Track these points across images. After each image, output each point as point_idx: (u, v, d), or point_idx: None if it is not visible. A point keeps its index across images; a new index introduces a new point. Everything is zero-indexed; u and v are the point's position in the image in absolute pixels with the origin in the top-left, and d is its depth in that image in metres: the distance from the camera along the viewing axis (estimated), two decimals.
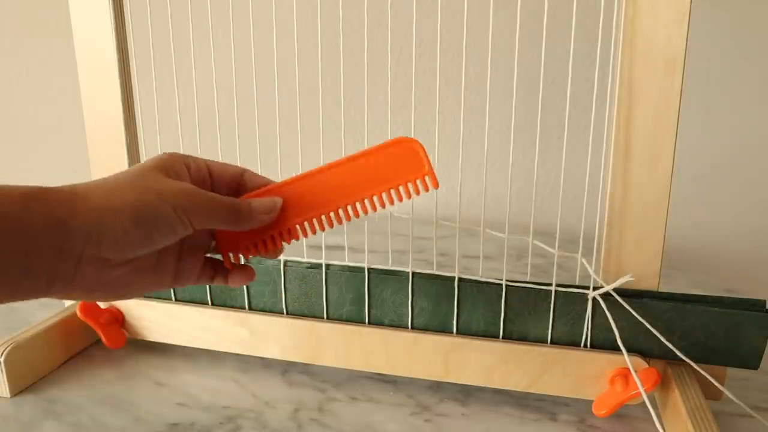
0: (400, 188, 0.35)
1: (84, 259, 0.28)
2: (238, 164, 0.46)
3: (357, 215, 0.35)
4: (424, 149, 0.35)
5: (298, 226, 0.35)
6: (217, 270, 0.36)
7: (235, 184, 0.36)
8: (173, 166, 0.33)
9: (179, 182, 0.32)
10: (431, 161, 0.35)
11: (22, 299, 0.28)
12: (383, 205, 0.35)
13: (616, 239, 0.41)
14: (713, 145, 0.82)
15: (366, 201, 0.35)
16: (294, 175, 0.36)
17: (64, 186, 0.29)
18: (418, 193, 0.35)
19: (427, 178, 0.35)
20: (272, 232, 0.35)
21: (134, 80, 0.47)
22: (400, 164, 0.35)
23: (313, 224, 0.35)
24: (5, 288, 0.26)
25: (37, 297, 0.28)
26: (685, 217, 0.84)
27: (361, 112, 0.45)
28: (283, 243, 0.36)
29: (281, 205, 0.35)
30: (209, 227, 0.34)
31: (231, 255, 0.36)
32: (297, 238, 0.36)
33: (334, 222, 0.35)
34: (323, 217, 0.35)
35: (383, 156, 0.35)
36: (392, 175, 0.35)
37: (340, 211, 0.35)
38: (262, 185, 0.36)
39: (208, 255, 0.36)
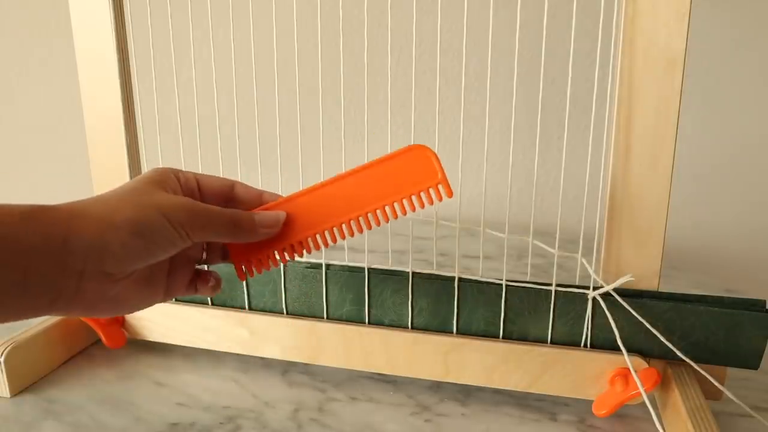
0: (413, 197, 0.34)
1: (86, 275, 0.28)
2: (239, 165, 0.46)
3: (369, 227, 0.35)
4: (436, 156, 0.34)
5: (310, 239, 0.35)
6: (200, 279, 0.36)
7: (223, 197, 0.36)
8: (167, 180, 0.33)
9: (177, 196, 0.32)
10: (444, 169, 0.34)
11: (25, 318, 0.28)
12: (395, 216, 0.35)
13: (616, 239, 0.41)
14: (713, 145, 0.82)
15: (378, 212, 0.35)
16: (297, 180, 0.36)
17: (61, 204, 0.29)
18: (431, 202, 0.34)
19: (440, 187, 0.34)
20: (284, 244, 0.35)
21: (134, 80, 0.47)
22: (412, 173, 0.34)
23: (324, 236, 0.35)
24: (7, 307, 0.27)
25: (39, 315, 0.28)
26: (685, 217, 0.84)
27: (361, 112, 0.45)
28: (295, 254, 0.36)
29: (294, 217, 0.35)
30: (208, 240, 0.34)
31: (244, 267, 0.36)
32: (309, 251, 0.36)
33: (346, 234, 0.35)
34: (335, 229, 0.35)
35: (395, 165, 0.35)
36: (404, 184, 0.34)
37: (352, 223, 0.35)
38: (255, 197, 0.36)
39: (199, 267, 0.37)
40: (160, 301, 0.34)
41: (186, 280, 0.35)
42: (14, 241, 0.26)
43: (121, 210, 0.29)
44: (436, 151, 0.34)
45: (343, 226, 0.35)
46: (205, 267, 0.38)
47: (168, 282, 0.34)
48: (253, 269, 0.36)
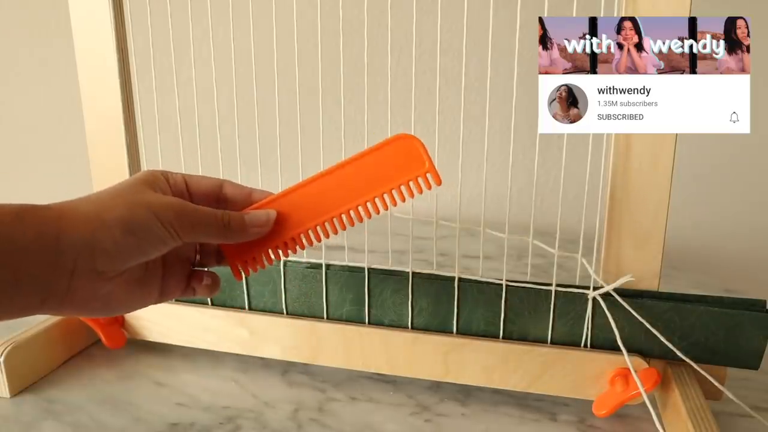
0: (402, 188, 0.34)
1: (77, 273, 0.28)
2: (239, 165, 0.46)
3: (360, 219, 0.35)
4: (422, 145, 0.34)
5: (303, 235, 0.35)
6: (195, 279, 0.36)
7: (213, 197, 0.36)
8: (157, 181, 0.33)
9: (166, 196, 0.32)
10: (431, 157, 0.34)
11: (16, 317, 0.28)
12: (386, 207, 0.35)
13: (616, 239, 0.41)
14: (713, 145, 0.82)
15: (369, 204, 0.35)
16: (297, 180, 0.36)
17: (52, 204, 0.29)
18: (420, 191, 0.34)
19: (428, 176, 0.34)
20: (278, 242, 0.35)
21: (134, 80, 0.47)
22: (399, 163, 0.34)
23: (317, 232, 0.35)
24: None
25: (30, 314, 0.28)
26: (685, 217, 0.84)
27: (361, 112, 0.45)
28: (289, 251, 0.36)
29: (285, 214, 0.35)
30: (199, 240, 0.34)
31: (240, 267, 0.36)
32: (303, 247, 0.35)
33: (338, 228, 0.35)
34: (326, 224, 0.35)
35: (382, 155, 0.34)
36: (393, 175, 0.34)
37: (343, 217, 0.35)
38: (245, 195, 0.36)
39: (196, 268, 0.37)
40: (155, 302, 0.34)
41: (181, 281, 0.35)
42: (5, 240, 0.26)
43: (112, 209, 0.29)
44: (427, 146, 0.34)
45: (335, 220, 0.35)
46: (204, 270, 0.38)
47: (162, 283, 0.34)
48: (249, 268, 0.36)
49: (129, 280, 0.31)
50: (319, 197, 0.35)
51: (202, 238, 0.33)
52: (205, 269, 0.37)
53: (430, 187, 0.34)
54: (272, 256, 0.36)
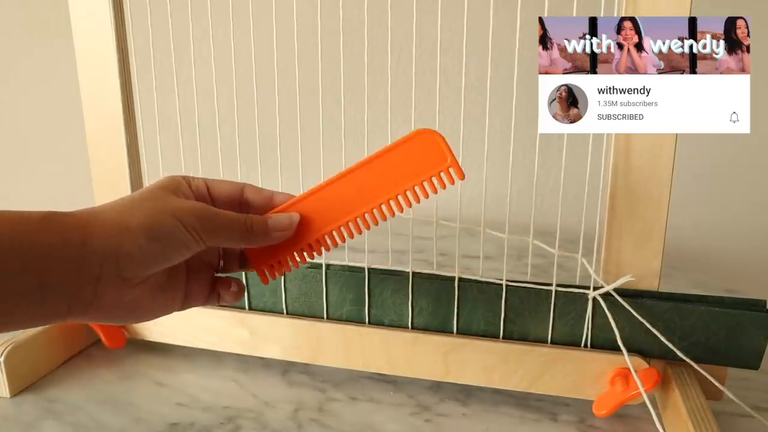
0: (425, 184, 0.34)
1: (103, 279, 0.28)
2: (239, 164, 0.46)
3: (384, 218, 0.35)
4: (444, 139, 0.34)
5: (327, 237, 0.35)
6: (222, 285, 0.36)
7: (235, 201, 0.36)
8: (179, 186, 0.33)
9: (190, 201, 0.32)
10: (453, 151, 0.34)
11: (42, 324, 0.28)
12: (409, 205, 0.34)
13: (616, 239, 0.41)
14: (713, 145, 0.82)
15: (392, 202, 0.34)
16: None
17: (75, 211, 0.29)
18: (444, 187, 0.34)
19: (451, 170, 0.34)
20: (302, 244, 0.35)
21: (134, 80, 0.47)
22: (421, 158, 0.34)
23: (341, 232, 0.35)
24: (24, 313, 0.27)
25: (56, 321, 0.28)
26: (685, 217, 0.84)
27: (362, 111, 0.45)
28: (314, 253, 0.35)
29: (309, 216, 0.35)
30: (222, 245, 0.34)
31: (266, 271, 0.36)
32: (328, 249, 0.35)
33: (363, 228, 0.35)
34: (350, 224, 0.35)
35: (403, 152, 0.34)
36: (415, 171, 0.34)
37: (367, 216, 0.35)
38: (266, 199, 0.36)
39: (219, 274, 0.37)
40: (179, 309, 0.34)
41: (205, 288, 0.35)
42: (31, 247, 0.26)
43: (136, 215, 0.30)
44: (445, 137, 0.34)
45: (359, 220, 0.35)
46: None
47: (186, 289, 0.34)
48: (275, 272, 0.36)
49: (153, 286, 0.31)
50: (342, 198, 0.35)
51: (225, 242, 0.33)
52: (232, 276, 0.37)
53: (453, 182, 0.34)
54: (298, 259, 0.36)
